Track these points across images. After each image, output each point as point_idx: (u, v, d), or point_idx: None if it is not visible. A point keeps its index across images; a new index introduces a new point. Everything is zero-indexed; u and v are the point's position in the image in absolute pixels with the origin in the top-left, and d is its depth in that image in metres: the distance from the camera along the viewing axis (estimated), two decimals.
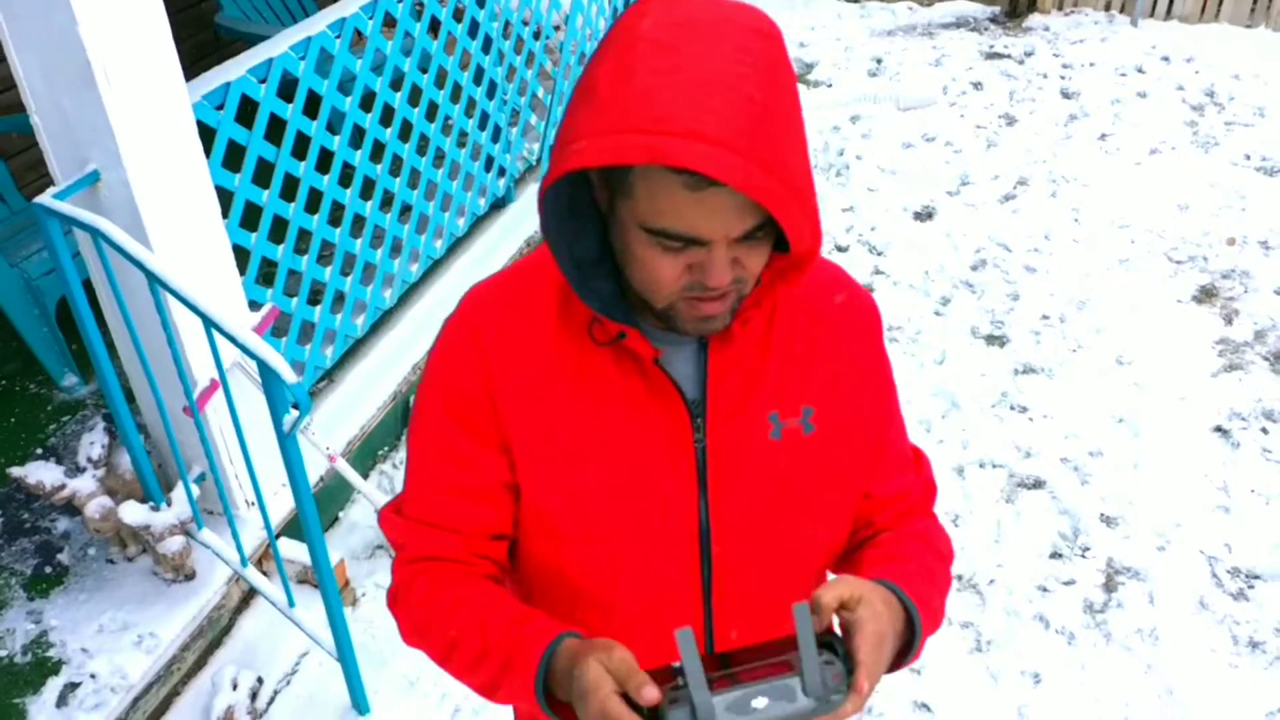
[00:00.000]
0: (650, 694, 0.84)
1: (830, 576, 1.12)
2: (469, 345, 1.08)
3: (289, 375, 2.02)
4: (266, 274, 3.09)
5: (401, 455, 3.53)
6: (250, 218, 2.91)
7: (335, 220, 3.32)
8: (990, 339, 4.07)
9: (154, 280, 2.14)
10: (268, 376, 2.04)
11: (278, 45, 2.93)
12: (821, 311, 1.13)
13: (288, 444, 2.14)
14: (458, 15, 3.83)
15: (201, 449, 2.65)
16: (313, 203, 3.19)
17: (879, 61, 6.53)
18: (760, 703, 0.85)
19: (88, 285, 2.54)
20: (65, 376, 3.48)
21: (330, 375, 3.51)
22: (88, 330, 2.48)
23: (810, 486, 1.10)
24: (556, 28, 4.74)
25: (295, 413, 2.06)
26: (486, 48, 4.08)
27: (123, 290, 2.38)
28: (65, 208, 2.20)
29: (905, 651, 1.03)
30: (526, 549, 1.13)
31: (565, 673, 0.92)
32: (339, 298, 3.41)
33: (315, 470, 3.11)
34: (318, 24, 3.10)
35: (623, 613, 1.10)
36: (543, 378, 1.06)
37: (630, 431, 1.06)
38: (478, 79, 4.07)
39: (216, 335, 2.20)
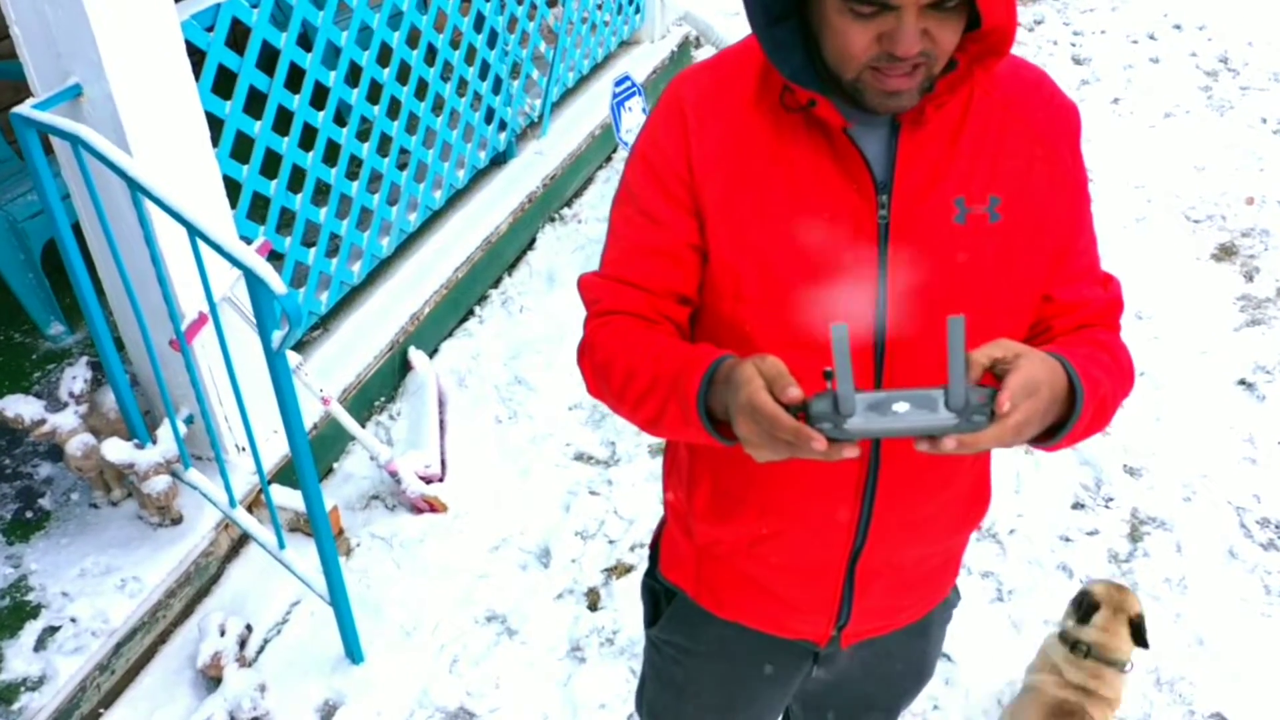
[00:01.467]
0: (794, 392, 0.90)
1: None
2: (671, 113, 1.15)
3: (277, 285, 1.91)
4: (259, 212, 2.97)
5: (398, 407, 3.42)
6: (241, 150, 2.79)
7: (330, 160, 3.20)
8: None
9: (135, 188, 2.02)
10: (255, 288, 1.92)
11: None
12: (1020, 106, 1.13)
13: (277, 363, 2.02)
14: None
15: (190, 389, 2.54)
16: (307, 140, 3.07)
17: None
18: (901, 407, 0.87)
19: (76, 231, 2.43)
20: (51, 325, 3.36)
21: (325, 323, 3.40)
22: (73, 264, 2.36)
23: (989, 274, 1.11)
24: (554, 3, 4.62)
25: (286, 328, 1.95)
26: None
27: (107, 213, 2.27)
28: (42, 116, 2.08)
29: (1060, 428, 1.03)
30: (711, 309, 1.18)
31: (724, 383, 0.99)
32: (334, 242, 3.29)
33: (309, 418, 3.00)
34: None
35: (798, 375, 1.08)
36: (737, 144, 1.12)
37: (817, 200, 1.10)
38: (478, 26, 3.95)
39: (205, 261, 2.08)
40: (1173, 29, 6.20)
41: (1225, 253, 4.18)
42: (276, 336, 1.97)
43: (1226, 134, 5.04)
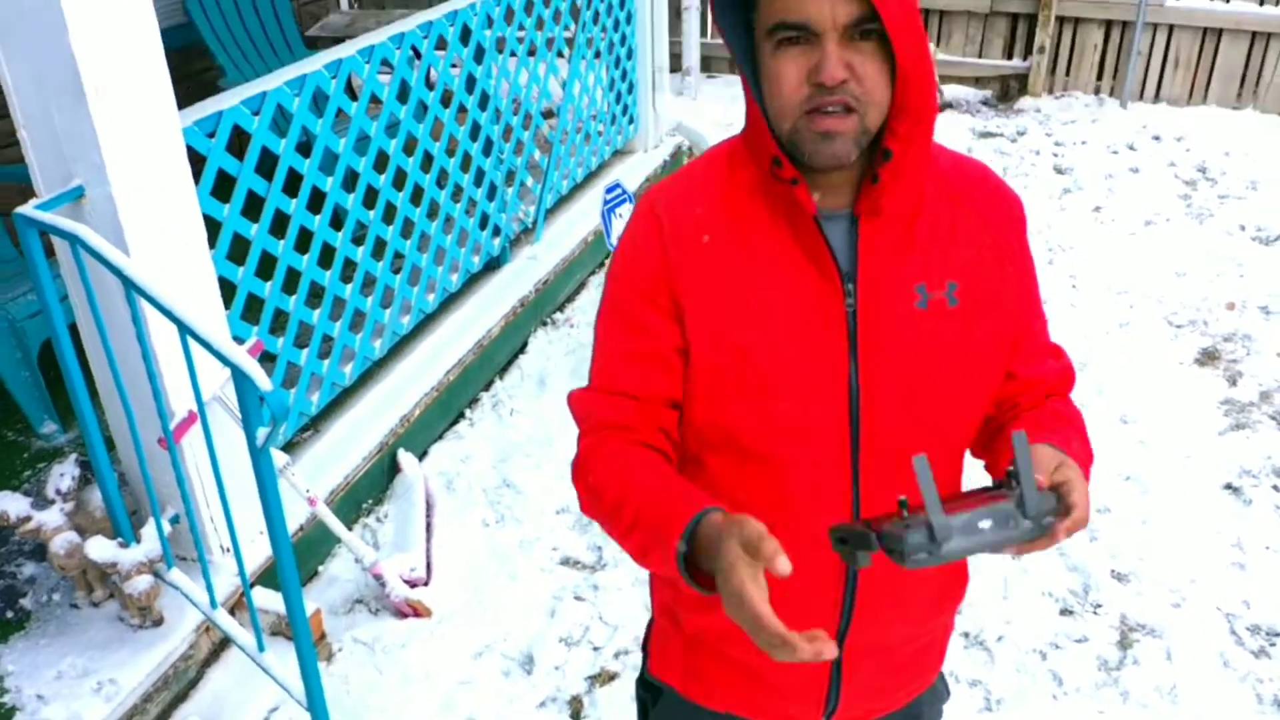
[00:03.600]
0: (783, 566, 0.88)
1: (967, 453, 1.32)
2: (647, 221, 1.22)
3: (263, 382, 1.94)
4: (253, 313, 3.02)
5: (386, 509, 3.41)
6: (238, 252, 2.85)
7: (325, 263, 3.26)
8: None
9: (129, 285, 2.07)
10: (241, 384, 1.95)
11: (273, 80, 2.92)
12: (968, 199, 1.23)
13: (261, 461, 2.03)
14: (454, 68, 3.85)
15: (177, 488, 2.54)
16: (302, 242, 3.14)
17: None
18: (986, 524, 0.94)
19: (73, 331, 2.47)
20: (44, 423, 3.37)
21: (315, 424, 3.42)
22: (67, 363, 2.40)
23: (952, 355, 1.19)
24: (549, 115, 4.78)
25: (270, 425, 1.97)
26: (484, 105, 4.09)
27: (103, 311, 2.31)
28: (44, 216, 2.14)
29: None
30: (695, 410, 1.22)
31: (711, 544, 0.98)
32: (327, 343, 3.34)
33: (295, 519, 2.99)
34: (314, 64, 3.10)
35: (781, 466, 1.21)
36: (711, 243, 1.19)
37: (789, 291, 1.17)
38: (474, 134, 4.07)
39: (196, 360, 2.12)
40: (1152, 140, 6.39)
41: (1208, 357, 4.23)
42: (261, 433, 1.99)
43: (1206, 241, 5.15)
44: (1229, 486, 3.47)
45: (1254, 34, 6.67)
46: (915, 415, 1.19)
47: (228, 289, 2.74)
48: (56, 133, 2.24)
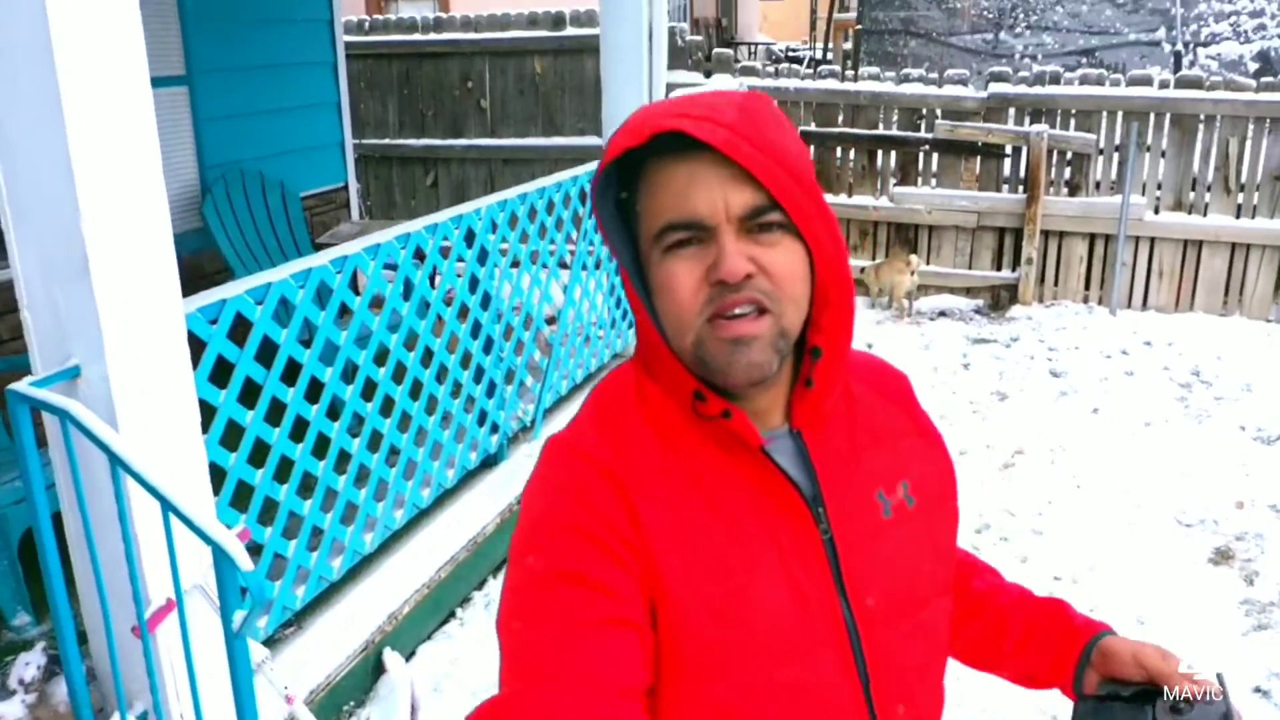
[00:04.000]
0: None
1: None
2: (586, 470, 0.98)
3: (244, 562, 1.87)
4: (242, 500, 2.96)
5: (367, 712, 3.23)
6: (231, 438, 2.83)
7: (319, 453, 3.24)
8: None
9: (115, 461, 2.03)
10: (220, 564, 1.88)
11: (279, 273, 2.99)
12: (880, 386, 1.16)
13: (236, 648, 1.94)
14: (457, 274, 3.96)
15: (147, 681, 2.42)
16: (298, 432, 3.12)
17: (869, 345, 6.71)
18: None
19: (55, 521, 2.43)
20: (17, 614, 3.25)
21: (299, 619, 3.29)
22: (46, 552, 2.33)
23: (926, 558, 1.09)
24: (550, 320, 4.89)
25: (248, 609, 1.89)
26: (485, 305, 4.18)
27: (87, 491, 2.27)
28: (36, 392, 2.14)
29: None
30: (673, 693, 0.96)
31: None
32: (316, 535, 3.26)
33: (273, 718, 2.83)
34: (320, 259, 3.18)
35: None
36: (673, 486, 0.99)
37: (762, 535, 0.99)
38: (475, 333, 4.13)
39: (177, 544, 2.06)
40: (1143, 345, 6.49)
41: (1222, 557, 4.12)
42: (238, 616, 1.90)
43: (1207, 441, 5.13)
44: (1258, 690, 3.29)
45: (1233, 245, 6.91)
46: (914, 634, 1.06)
47: (218, 475, 2.70)
48: (58, 313, 2.27)
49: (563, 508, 0.97)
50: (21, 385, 2.17)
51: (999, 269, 7.50)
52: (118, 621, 2.40)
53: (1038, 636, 1.20)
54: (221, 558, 1.88)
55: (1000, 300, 7.44)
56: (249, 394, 2.86)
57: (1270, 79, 6.90)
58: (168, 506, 1.98)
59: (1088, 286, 7.34)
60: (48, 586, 2.37)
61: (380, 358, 3.52)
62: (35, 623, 3.27)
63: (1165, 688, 1.03)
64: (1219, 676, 1.01)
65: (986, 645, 1.25)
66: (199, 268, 4.87)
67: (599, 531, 0.94)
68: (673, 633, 0.95)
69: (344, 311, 3.34)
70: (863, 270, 7.35)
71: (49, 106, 2.15)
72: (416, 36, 8.30)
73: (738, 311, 0.93)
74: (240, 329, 2.82)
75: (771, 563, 0.98)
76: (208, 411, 2.66)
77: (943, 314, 7.36)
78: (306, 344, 3.16)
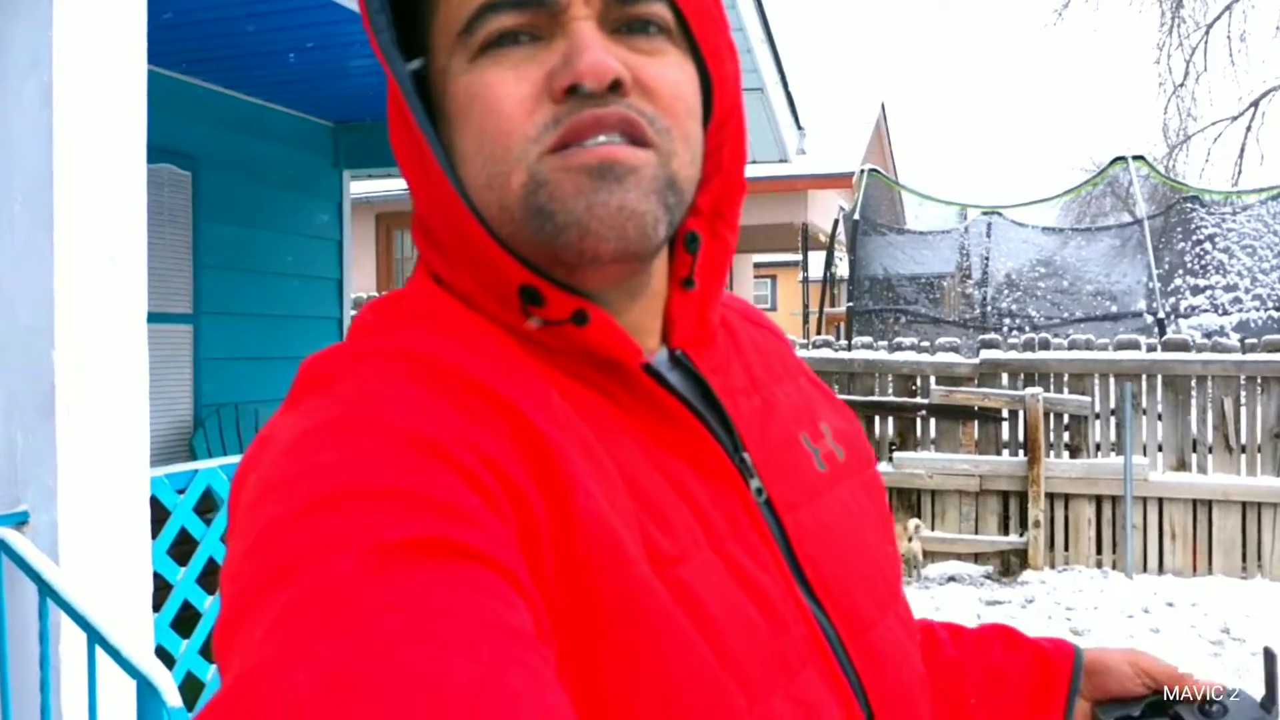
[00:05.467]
0: None
1: None
2: (439, 385, 0.57)
3: (172, 696, 1.63)
4: (189, 693, 2.67)
5: None
6: (184, 624, 2.60)
7: None
8: None
9: (46, 592, 1.84)
10: (145, 698, 1.65)
11: None
12: (747, 313, 0.84)
13: None
14: None
15: None
16: None
17: None
18: None
19: None
20: None
21: None
22: None
23: (874, 528, 0.77)
24: None
25: None
26: None
27: (9, 626, 2.04)
28: None
29: None
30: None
31: None
32: None
33: None
34: None
35: None
36: (575, 440, 0.59)
37: (673, 504, 0.62)
38: None
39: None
40: (1165, 605, 6.19)
41: None
42: None
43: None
44: None
45: (1244, 504, 6.76)
46: (900, 636, 0.75)
47: (164, 660, 2.45)
48: (15, 454, 2.15)
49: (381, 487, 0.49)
50: None
51: (1006, 533, 7.31)
52: None
53: (1004, 675, 0.87)
54: (147, 692, 1.64)
55: (1010, 566, 7.18)
56: (210, 577, 2.66)
57: (1253, 340, 7.06)
58: (97, 639, 1.76)
59: (1099, 550, 7.11)
60: None
61: None
62: None
63: (1179, 692, 0.83)
64: (1266, 651, 0.82)
65: (943, 706, 0.86)
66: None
67: (468, 459, 0.52)
68: (588, 673, 0.53)
69: None
70: None
71: (42, 258, 2.15)
72: None
73: (602, 139, 0.59)
74: (209, 506, 2.68)
75: (699, 545, 0.61)
76: (161, 588, 2.46)
77: (952, 579, 7.08)
78: None
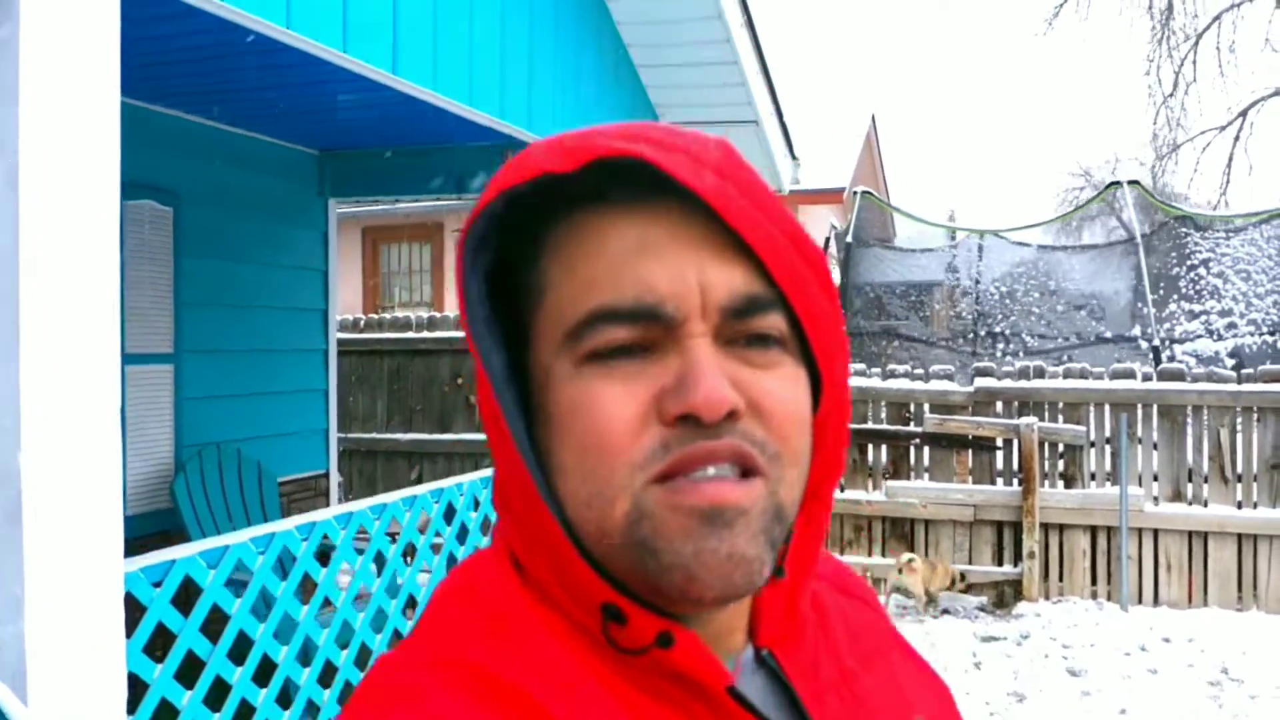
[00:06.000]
0: None
1: None
2: (480, 694, 0.56)
3: None
4: None
5: None
6: None
7: None
8: None
9: None
10: None
11: (238, 536, 2.76)
12: (837, 580, 0.79)
13: None
14: (435, 549, 3.73)
15: None
16: (241, 717, 2.76)
17: None
18: None
19: None
20: None
21: None
22: None
23: None
24: None
25: None
26: None
27: None
28: None
29: None
30: None
31: None
32: None
33: None
34: (285, 524, 2.97)
35: None
36: None
37: None
38: None
39: None
40: (1162, 641, 6.12)
41: None
42: None
43: None
44: None
45: (1240, 536, 6.71)
46: None
47: None
48: None
49: None
50: None
51: (1000, 564, 7.24)
52: None
53: None
54: None
55: (1005, 597, 7.11)
56: (189, 670, 2.55)
57: (1249, 371, 7.01)
58: None
59: (1094, 581, 7.05)
60: None
61: (343, 638, 3.21)
62: None
63: None
64: None
65: None
66: (162, 548, 4.61)
67: None
68: None
69: (307, 584, 3.08)
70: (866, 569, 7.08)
71: (6, 356, 2.03)
72: (410, 334, 8.49)
73: (711, 471, 0.57)
74: (188, 595, 2.56)
75: None
76: (139, 687, 2.35)
77: (946, 611, 7.00)
78: (261, 617, 2.88)
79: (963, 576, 6.96)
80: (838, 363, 0.64)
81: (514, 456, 0.60)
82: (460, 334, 8.33)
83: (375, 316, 8.88)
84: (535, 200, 0.61)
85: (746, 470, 0.58)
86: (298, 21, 2.75)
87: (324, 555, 3.33)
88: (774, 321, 0.60)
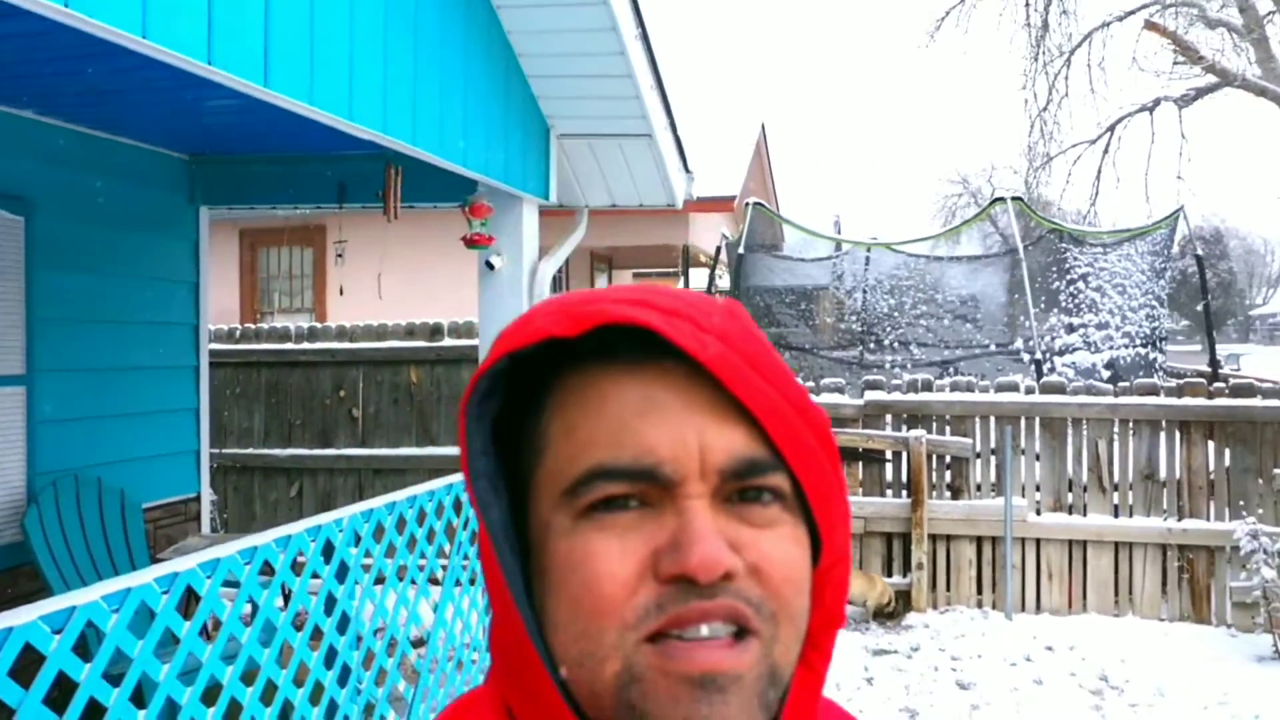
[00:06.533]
0: None
1: None
2: None
3: None
4: None
5: None
6: None
7: None
8: None
9: None
10: None
11: (88, 594, 2.51)
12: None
13: None
14: (310, 592, 3.50)
15: None
16: None
17: None
18: None
19: None
20: None
21: None
22: None
23: None
24: (417, 643, 4.42)
25: None
26: (343, 629, 3.69)
27: None
28: None
29: None
30: None
31: None
32: None
33: None
34: (143, 576, 2.72)
35: None
36: None
37: None
38: (329, 662, 3.60)
39: None
40: (1045, 650, 6.26)
41: None
42: None
43: None
44: None
45: (1116, 544, 6.92)
46: None
47: None
48: None
49: None
50: None
51: (889, 574, 7.31)
52: None
53: None
54: None
55: (896, 608, 7.18)
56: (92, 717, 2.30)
57: (1125, 384, 7.24)
58: None
59: (980, 590, 7.18)
60: None
61: (210, 696, 2.96)
62: None
63: None
64: None
65: None
66: (11, 586, 4.26)
67: None
68: None
69: (170, 640, 2.83)
70: None
71: None
72: (289, 345, 8.12)
73: (704, 631, 0.57)
74: (29, 663, 2.30)
75: None
76: None
77: None
78: (115, 681, 2.62)
79: (897, 598, 6.99)
80: (838, 523, 0.64)
81: (512, 614, 0.60)
82: (344, 345, 8.02)
83: (252, 326, 8.47)
84: (541, 352, 0.62)
85: (741, 630, 0.58)
86: (155, 30, 2.51)
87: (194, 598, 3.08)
88: (774, 481, 0.61)
